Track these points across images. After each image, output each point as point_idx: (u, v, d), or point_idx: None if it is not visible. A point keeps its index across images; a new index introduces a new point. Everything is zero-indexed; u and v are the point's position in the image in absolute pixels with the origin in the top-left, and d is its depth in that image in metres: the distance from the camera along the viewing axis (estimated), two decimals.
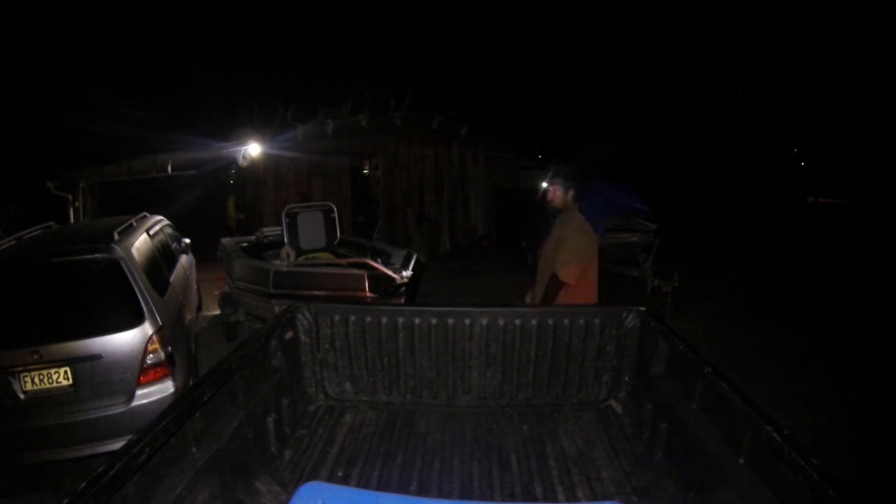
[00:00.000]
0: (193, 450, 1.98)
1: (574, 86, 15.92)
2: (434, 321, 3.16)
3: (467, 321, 3.15)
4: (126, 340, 3.56)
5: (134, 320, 3.61)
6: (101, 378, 3.51)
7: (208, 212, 12.50)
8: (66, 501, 1.32)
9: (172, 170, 9.68)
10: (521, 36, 16.64)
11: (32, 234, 4.49)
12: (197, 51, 14.29)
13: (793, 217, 12.24)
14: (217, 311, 7.11)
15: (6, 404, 3.42)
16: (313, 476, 2.53)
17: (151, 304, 3.74)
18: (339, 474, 2.52)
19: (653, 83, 14.92)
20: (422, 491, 2.39)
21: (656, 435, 2.52)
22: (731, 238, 11.25)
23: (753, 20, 13.75)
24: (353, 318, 3.20)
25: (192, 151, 10.20)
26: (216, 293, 7.34)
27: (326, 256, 6.43)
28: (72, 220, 8.34)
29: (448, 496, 2.33)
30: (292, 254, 6.51)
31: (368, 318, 3.18)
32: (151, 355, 3.61)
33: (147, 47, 13.03)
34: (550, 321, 3.12)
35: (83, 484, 1.39)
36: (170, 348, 3.79)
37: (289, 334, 3.07)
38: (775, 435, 1.68)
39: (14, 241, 4.22)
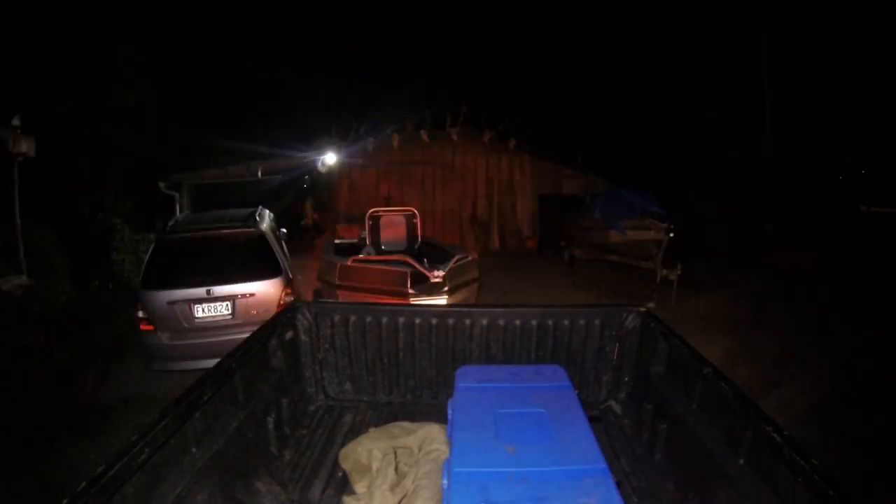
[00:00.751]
0: (193, 450, 1.97)
1: (613, 99, 17.12)
2: (434, 321, 3.15)
3: (467, 321, 3.14)
4: (270, 285, 5.18)
5: (274, 273, 5.26)
6: (251, 310, 5.10)
7: (287, 212, 13.87)
8: (65, 501, 1.32)
9: (262, 174, 11.53)
10: (564, 55, 18.03)
11: (181, 217, 6.39)
12: (287, 67, 16.36)
13: (832, 224, 12.26)
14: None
15: (184, 327, 4.99)
16: (313, 476, 2.53)
17: (284, 264, 5.41)
18: (339, 474, 2.52)
19: (686, 90, 15.33)
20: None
21: (656, 435, 2.52)
22: (754, 240, 11.85)
23: (796, 21, 13.69)
24: (353, 318, 3.19)
25: (279, 159, 12.05)
26: (298, 277, 8.05)
27: (409, 257, 6.68)
28: (177, 214, 9.94)
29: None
30: (373, 254, 6.91)
31: (368, 318, 3.18)
32: (286, 296, 5.18)
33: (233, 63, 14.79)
34: (550, 321, 3.11)
35: (83, 484, 1.39)
36: (295, 295, 5.33)
37: (289, 334, 3.06)
38: (775, 435, 1.68)
39: (174, 222, 5.95)
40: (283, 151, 11.97)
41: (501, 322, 3.13)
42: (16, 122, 5.61)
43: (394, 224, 7.38)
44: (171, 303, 4.94)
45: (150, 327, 4.96)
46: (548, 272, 10.65)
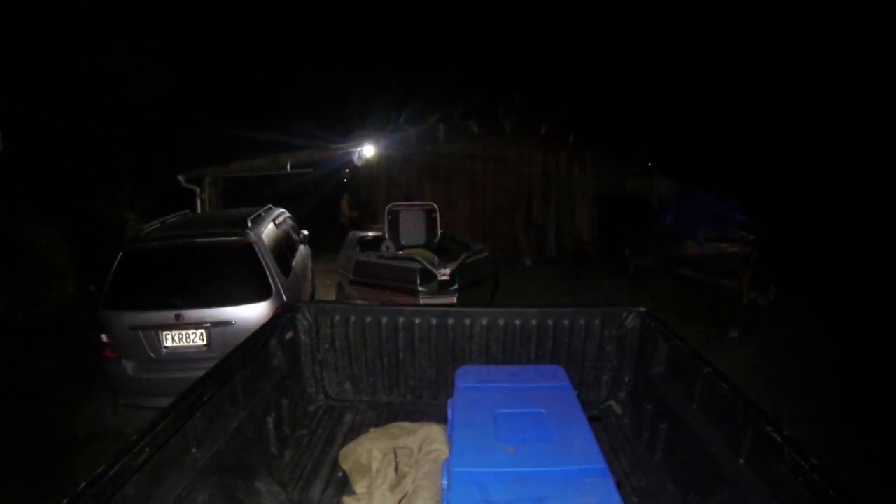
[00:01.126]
0: (193, 450, 1.98)
1: (682, 95, 15.75)
2: (434, 321, 3.15)
3: (467, 321, 3.14)
4: (255, 311, 4.16)
5: (263, 295, 4.24)
6: (231, 341, 3.83)
7: (324, 208, 13.19)
8: (65, 501, 1.32)
9: (291, 168, 10.48)
10: (630, 47, 16.72)
11: (172, 219, 5.19)
12: (313, 55, 15.61)
13: None
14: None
15: (150, 356, 4.15)
16: (313, 476, 2.53)
17: (278, 282, 4.38)
18: (339, 474, 2.52)
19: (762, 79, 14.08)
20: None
21: (656, 435, 2.52)
22: (850, 254, 10.30)
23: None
24: (353, 318, 3.19)
25: (309, 151, 10.98)
26: (328, 283, 7.84)
27: (423, 253, 6.49)
28: (198, 210, 9.45)
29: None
30: (392, 248, 6.82)
31: (368, 318, 3.17)
32: None
33: (268, 51, 14.21)
34: (550, 322, 3.11)
35: (83, 484, 1.39)
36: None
37: (289, 334, 3.06)
38: (775, 435, 1.68)
39: (158, 225, 4.88)
40: (314, 143, 11.06)
41: (501, 322, 3.13)
42: None
43: (413, 218, 7.30)
44: (135, 328, 4.11)
45: (114, 355, 4.20)
46: (609, 286, 9.34)
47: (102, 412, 4.79)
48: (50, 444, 4.36)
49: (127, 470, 1.54)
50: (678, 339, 2.61)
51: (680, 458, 2.31)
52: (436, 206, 7.49)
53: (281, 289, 4.37)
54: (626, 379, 3.11)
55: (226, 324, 4.16)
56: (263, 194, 8.66)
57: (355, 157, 10.72)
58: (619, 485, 1.64)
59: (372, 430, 2.64)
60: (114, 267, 4.30)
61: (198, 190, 10.01)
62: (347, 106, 14.34)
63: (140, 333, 4.12)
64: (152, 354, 4.15)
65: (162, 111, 10.11)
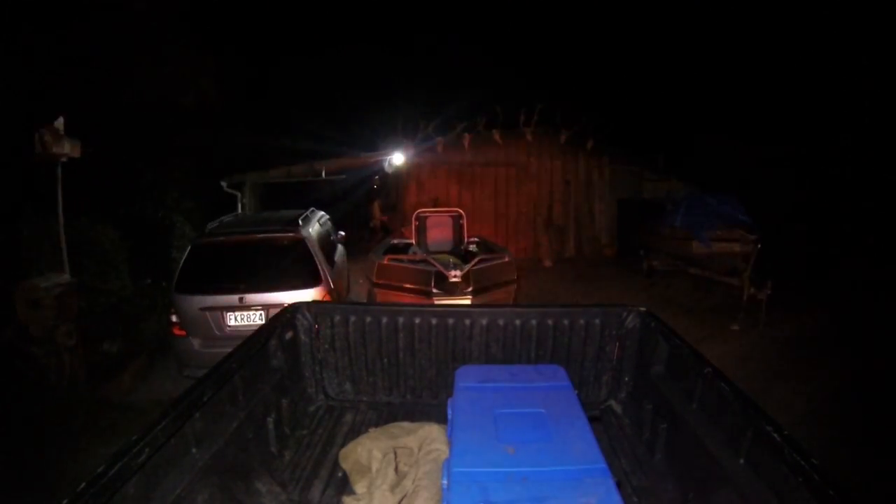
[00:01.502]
0: (193, 450, 1.97)
1: (698, 100, 16.09)
2: (434, 321, 3.15)
3: (467, 321, 3.14)
4: (307, 295, 4.73)
5: (314, 282, 4.92)
6: None
7: (355, 213, 13.91)
8: (65, 501, 1.32)
9: (326, 174, 11.42)
10: (646, 50, 17.16)
11: (228, 219, 6.01)
12: (347, 67, 16.62)
13: None
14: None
15: (215, 334, 4.81)
16: (313, 476, 2.53)
17: (325, 272, 5.06)
18: (339, 474, 2.52)
19: (777, 86, 14.16)
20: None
21: (656, 435, 2.52)
22: (849, 252, 10.82)
23: None
24: (353, 318, 3.19)
25: (343, 158, 11.84)
26: (360, 281, 8.10)
27: (445, 258, 6.65)
28: (239, 212, 10.09)
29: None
30: (419, 253, 6.93)
31: (368, 319, 3.17)
32: None
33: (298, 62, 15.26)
34: (550, 321, 3.10)
35: (83, 484, 1.39)
36: None
37: (289, 334, 3.06)
38: (775, 435, 1.68)
39: (217, 223, 5.69)
40: (347, 151, 11.79)
41: (501, 322, 3.12)
42: (58, 124, 5.59)
43: (440, 224, 7.48)
44: (204, 309, 4.78)
45: (183, 332, 4.85)
46: (623, 284, 9.91)
47: (165, 383, 5.48)
48: (120, 410, 4.94)
49: (127, 470, 1.54)
50: (678, 338, 2.61)
51: (680, 458, 2.31)
52: (462, 212, 7.64)
53: (328, 277, 5.08)
54: (626, 379, 3.10)
55: (282, 306, 4.50)
56: (300, 199, 9.36)
57: (386, 165, 11.46)
58: (619, 485, 1.64)
59: (372, 430, 2.64)
60: (184, 258, 4.97)
61: (239, 195, 10.73)
62: (378, 116, 15.18)
63: (207, 314, 4.78)
64: (217, 332, 4.80)
65: (205, 121, 10.73)
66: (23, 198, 6.65)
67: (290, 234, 5.14)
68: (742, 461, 1.89)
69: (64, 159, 5.77)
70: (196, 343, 4.83)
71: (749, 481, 1.82)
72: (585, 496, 1.55)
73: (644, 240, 10.70)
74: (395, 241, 8.00)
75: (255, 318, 4.83)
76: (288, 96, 14.96)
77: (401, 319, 3.15)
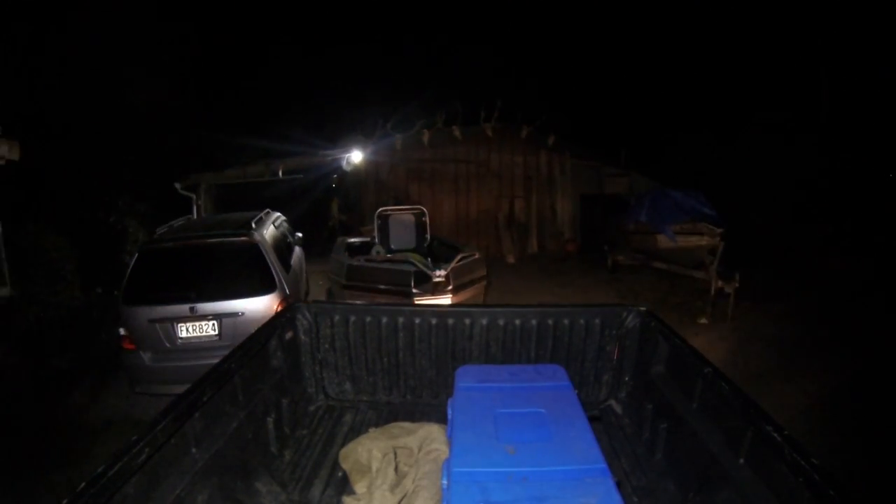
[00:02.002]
0: (193, 450, 1.97)
1: (658, 94, 16.19)
2: (434, 321, 3.15)
3: (467, 321, 3.14)
4: (262, 303, 4.57)
5: (268, 288, 4.68)
6: (240, 330, 4.34)
7: (314, 213, 13.61)
8: (65, 502, 1.32)
9: (283, 174, 11.11)
10: (606, 45, 17.08)
11: (179, 222, 5.66)
12: (302, 62, 16.18)
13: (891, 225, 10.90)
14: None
15: (166, 347, 4.52)
16: (313, 476, 2.53)
17: (281, 277, 4.81)
18: (339, 474, 2.52)
19: (736, 84, 14.36)
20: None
21: (656, 435, 2.52)
22: (812, 245, 10.93)
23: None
24: (353, 318, 3.19)
25: (300, 157, 11.49)
26: (320, 283, 8.06)
27: (415, 256, 6.60)
28: (195, 215, 9.79)
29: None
30: (382, 252, 6.91)
31: (368, 318, 3.17)
32: None
33: (252, 57, 15.02)
34: (550, 321, 3.10)
35: (83, 484, 1.39)
36: None
37: (289, 334, 3.06)
38: (775, 435, 1.68)
39: (166, 228, 5.35)
40: (305, 150, 11.50)
41: (501, 322, 3.12)
42: None
43: (403, 223, 7.39)
44: (153, 321, 4.48)
45: (132, 346, 4.55)
46: (588, 279, 9.91)
47: (117, 402, 5.16)
48: (70, 432, 4.65)
49: (127, 470, 1.54)
50: (678, 338, 2.61)
51: (680, 458, 2.31)
52: (425, 210, 7.58)
53: (284, 283, 4.81)
54: (626, 379, 3.10)
55: (235, 315, 4.56)
56: (256, 199, 9.06)
57: (344, 163, 11.18)
58: (619, 485, 1.64)
59: (372, 430, 2.64)
60: (131, 266, 4.67)
61: (194, 197, 10.37)
62: (336, 113, 14.90)
63: (157, 326, 4.49)
64: (168, 345, 4.52)
65: (158, 121, 10.47)
66: None
67: (243, 239, 4.84)
68: (742, 461, 1.89)
69: (1, 162, 5.36)
70: (147, 357, 4.55)
71: (749, 481, 1.82)
72: (585, 496, 1.55)
73: (608, 235, 10.65)
74: (352, 240, 7.84)
75: (208, 329, 4.56)
76: (245, 96, 14.63)
77: (401, 319, 3.15)
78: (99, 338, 6.31)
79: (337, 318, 3.19)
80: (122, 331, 4.56)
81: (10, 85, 7.37)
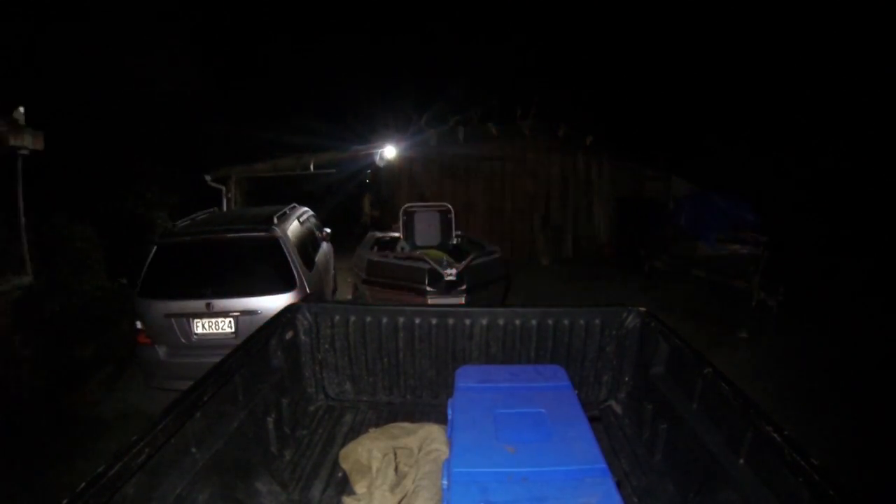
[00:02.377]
0: (193, 450, 1.97)
1: (702, 99, 15.77)
2: (434, 321, 3.15)
3: (467, 321, 3.14)
4: (280, 302, 4.24)
5: (287, 286, 4.51)
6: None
7: (346, 208, 13.60)
8: (65, 501, 1.32)
9: (314, 168, 11.01)
10: (649, 48, 16.79)
11: (202, 216, 5.53)
12: (339, 58, 16.40)
13: None
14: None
15: (181, 342, 4.47)
16: (313, 476, 2.53)
17: (301, 275, 4.65)
18: (339, 474, 2.52)
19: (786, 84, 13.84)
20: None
21: (656, 435, 2.52)
22: (859, 255, 10.35)
23: None
24: (353, 318, 3.19)
25: (332, 152, 11.38)
26: (349, 280, 7.97)
27: (435, 254, 6.56)
28: (224, 208, 9.77)
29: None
30: (407, 249, 6.90)
31: (368, 318, 3.17)
32: None
33: (289, 53, 15.14)
34: (550, 322, 3.10)
35: (83, 484, 1.39)
36: None
37: (289, 334, 3.06)
38: (775, 435, 1.68)
39: (188, 221, 5.20)
40: (336, 144, 11.39)
41: (501, 322, 3.12)
42: (17, 115, 5.23)
43: (428, 219, 7.36)
44: (169, 315, 4.43)
45: (148, 341, 4.51)
46: (622, 286, 9.44)
47: (132, 396, 5.11)
48: (84, 424, 4.63)
49: (127, 470, 1.54)
50: (678, 338, 2.61)
51: (680, 458, 2.31)
52: (451, 207, 7.51)
53: (304, 281, 4.66)
54: (626, 379, 3.10)
55: (252, 313, 4.43)
56: (287, 194, 9.00)
57: (377, 158, 11.06)
58: (619, 485, 1.64)
59: (372, 430, 2.64)
60: (149, 260, 4.58)
61: (223, 189, 10.36)
62: (370, 108, 14.72)
63: (173, 321, 4.43)
64: (183, 340, 4.47)
65: (188, 112, 10.46)
66: None
67: (263, 234, 4.70)
68: (742, 461, 1.89)
69: (25, 152, 5.35)
70: (162, 352, 4.50)
71: (749, 481, 1.82)
72: (585, 496, 1.55)
73: (645, 240, 10.27)
74: (381, 236, 7.83)
75: (224, 326, 4.50)
76: (277, 88, 14.63)
77: (401, 319, 3.15)
78: (120, 329, 6.27)
79: (337, 318, 3.19)
80: (138, 324, 4.53)
81: (36, 76, 7.40)
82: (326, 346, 3.23)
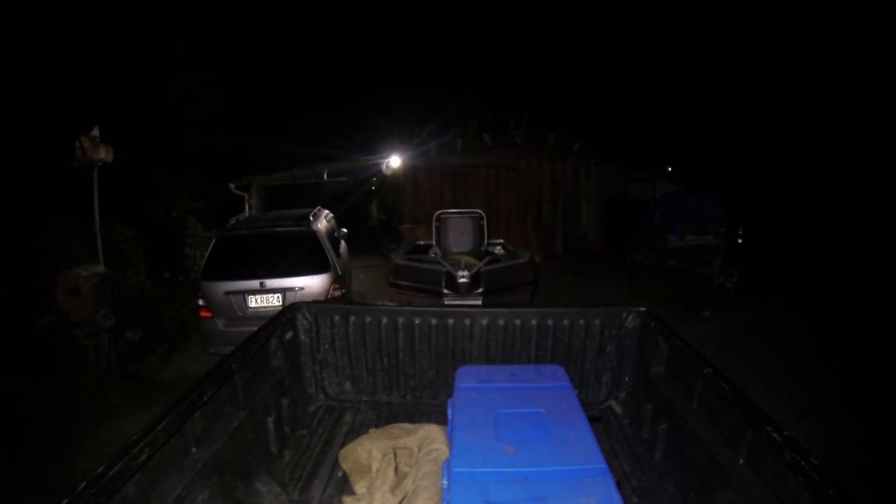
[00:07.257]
0: (193, 450, 1.97)
1: (683, 100, 16.74)
2: (434, 321, 3.14)
3: (467, 321, 3.14)
4: (318, 280, 5.56)
5: (324, 269, 5.64)
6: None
7: (355, 213, 14.55)
8: (65, 501, 1.32)
9: (327, 177, 12.32)
10: (632, 55, 17.72)
11: (243, 217, 7.02)
12: (351, 81, 17.69)
13: None
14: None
15: (238, 315, 5.46)
16: (313, 476, 2.53)
17: (334, 260, 5.78)
18: (339, 474, 2.52)
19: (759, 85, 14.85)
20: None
21: (656, 435, 2.52)
22: (832, 243, 11.63)
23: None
24: (353, 318, 3.19)
25: (343, 162, 12.68)
26: (361, 276, 8.75)
27: (468, 259, 6.80)
28: (246, 213, 10.77)
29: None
30: (439, 254, 7.09)
31: (368, 319, 3.17)
32: (333, 291, 5.62)
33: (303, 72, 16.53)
34: (550, 321, 3.10)
35: (83, 484, 1.39)
36: (344, 290, 5.87)
37: (289, 334, 3.06)
38: (775, 435, 1.68)
39: (235, 220, 6.50)
40: (347, 155, 12.53)
41: (501, 322, 3.12)
42: (95, 132, 6.25)
43: (460, 225, 7.58)
44: (228, 293, 5.45)
45: (209, 314, 5.51)
46: (606, 276, 10.76)
47: (187, 364, 6.17)
48: (150, 385, 5.58)
49: (127, 470, 1.54)
50: (678, 338, 2.61)
51: (680, 458, 2.31)
52: (483, 213, 7.69)
53: (336, 265, 5.78)
54: (626, 379, 3.10)
55: (297, 289, 5.49)
56: (301, 200, 9.95)
57: (383, 167, 12.19)
58: (619, 485, 1.64)
59: (372, 430, 2.64)
60: (209, 250, 5.75)
61: (246, 196, 11.40)
62: (377, 122, 15.96)
63: (231, 297, 5.46)
64: (239, 313, 5.47)
65: (215, 128, 11.52)
66: (56, 199, 7.56)
67: (303, 228, 5.86)
68: (742, 461, 1.89)
69: (100, 164, 6.38)
70: (221, 323, 5.50)
71: (749, 481, 1.82)
72: (585, 496, 1.55)
73: (627, 236, 11.44)
74: (420, 243, 8.11)
75: (274, 301, 5.48)
76: (292, 104, 15.81)
77: (401, 319, 3.15)
78: (167, 315, 7.50)
79: (337, 318, 3.19)
80: (200, 302, 5.53)
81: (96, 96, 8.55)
82: (326, 346, 3.23)
